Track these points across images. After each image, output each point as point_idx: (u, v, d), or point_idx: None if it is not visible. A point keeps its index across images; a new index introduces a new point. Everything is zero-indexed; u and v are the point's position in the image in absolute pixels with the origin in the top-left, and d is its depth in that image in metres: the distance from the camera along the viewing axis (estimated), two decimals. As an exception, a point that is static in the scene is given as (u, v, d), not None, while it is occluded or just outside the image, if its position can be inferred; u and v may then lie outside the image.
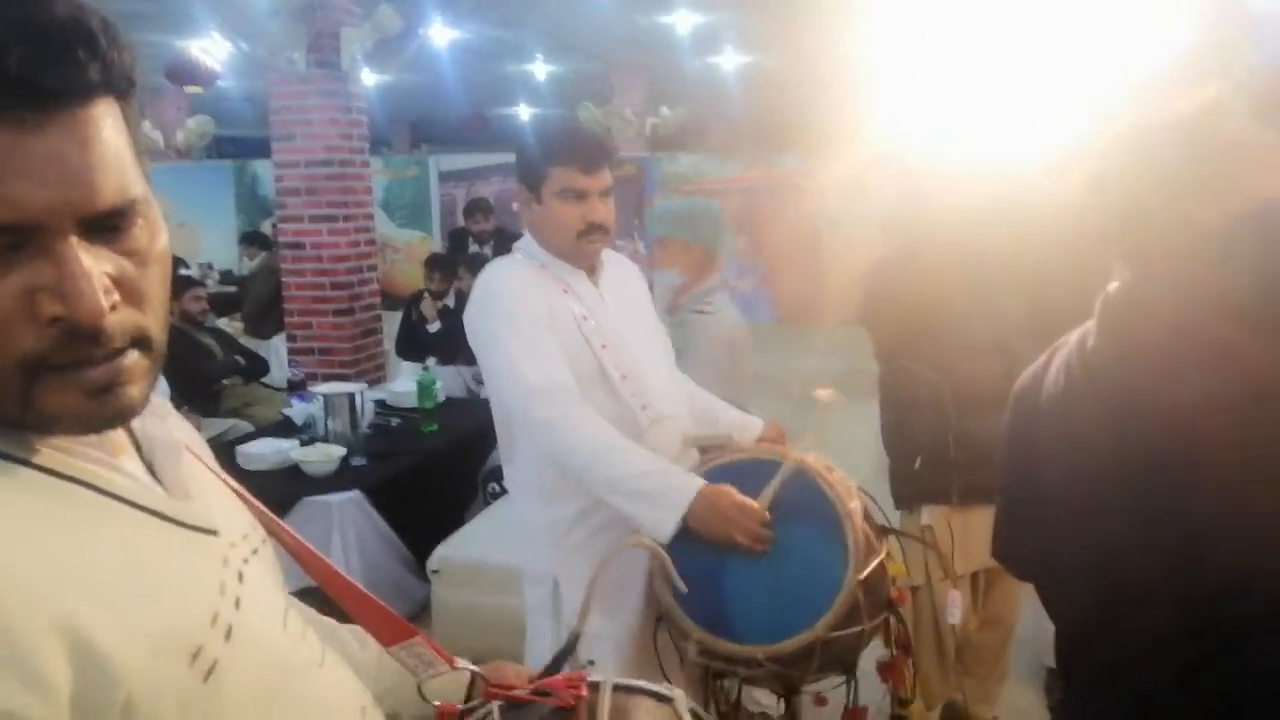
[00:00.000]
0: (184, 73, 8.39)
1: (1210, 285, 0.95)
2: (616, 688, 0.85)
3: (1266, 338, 0.88)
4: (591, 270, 1.98)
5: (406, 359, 5.24)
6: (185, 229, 10.35)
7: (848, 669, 1.80)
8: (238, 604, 0.63)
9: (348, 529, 3.16)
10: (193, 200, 10.68)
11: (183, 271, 7.12)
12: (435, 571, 3.11)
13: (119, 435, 0.65)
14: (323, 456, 3.37)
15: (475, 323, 1.90)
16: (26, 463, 0.58)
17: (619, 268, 2.11)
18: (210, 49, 8.27)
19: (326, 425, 3.67)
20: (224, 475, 0.77)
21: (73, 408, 0.58)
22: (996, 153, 2.06)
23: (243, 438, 3.88)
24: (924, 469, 2.40)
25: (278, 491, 3.26)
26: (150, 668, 0.55)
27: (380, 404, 4.22)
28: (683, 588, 1.59)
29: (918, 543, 2.30)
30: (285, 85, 5.10)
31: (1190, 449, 0.94)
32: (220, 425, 4.23)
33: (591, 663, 1.85)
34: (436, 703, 0.85)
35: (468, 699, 0.90)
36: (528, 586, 2.01)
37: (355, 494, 3.22)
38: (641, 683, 0.88)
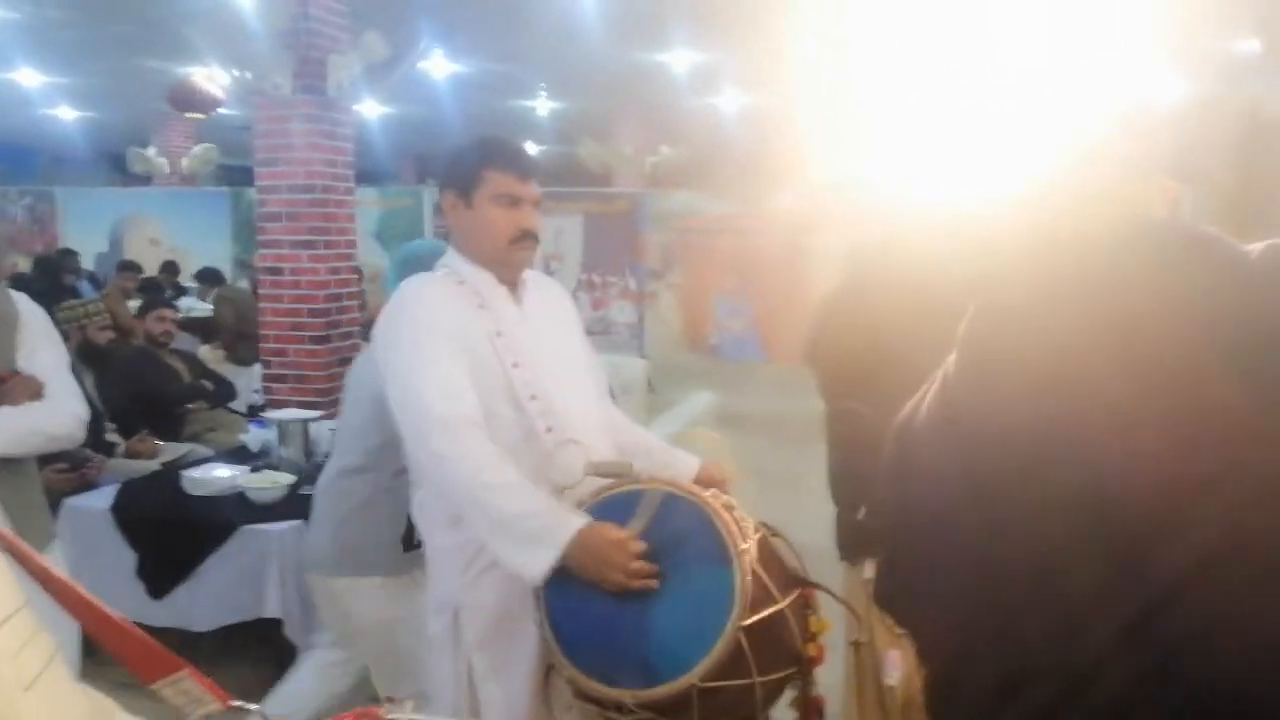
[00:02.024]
0: (186, 99, 8.50)
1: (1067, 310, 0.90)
2: None
3: (1118, 364, 0.84)
4: (513, 286, 1.96)
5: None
6: (179, 253, 10.38)
7: (745, 722, 1.70)
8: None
9: (288, 559, 3.07)
10: (188, 225, 10.74)
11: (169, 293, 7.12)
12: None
13: None
14: (269, 483, 3.31)
15: (383, 341, 1.88)
16: None
17: (545, 289, 2.09)
18: (214, 76, 8.37)
19: (279, 452, 3.61)
20: None
21: None
22: (954, 189, 2.00)
23: (198, 462, 3.81)
24: (869, 519, 2.31)
25: (220, 517, 3.19)
26: None
27: (342, 432, 4.15)
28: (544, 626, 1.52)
29: (863, 597, 2.20)
30: (270, 110, 5.11)
31: (1039, 473, 0.91)
32: (178, 450, 4.17)
33: (390, 699, 1.80)
34: None
35: None
36: (430, 617, 1.95)
37: (298, 523, 3.14)
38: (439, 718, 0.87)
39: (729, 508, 1.75)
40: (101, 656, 0.77)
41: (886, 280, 2.27)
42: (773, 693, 1.71)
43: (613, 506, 1.78)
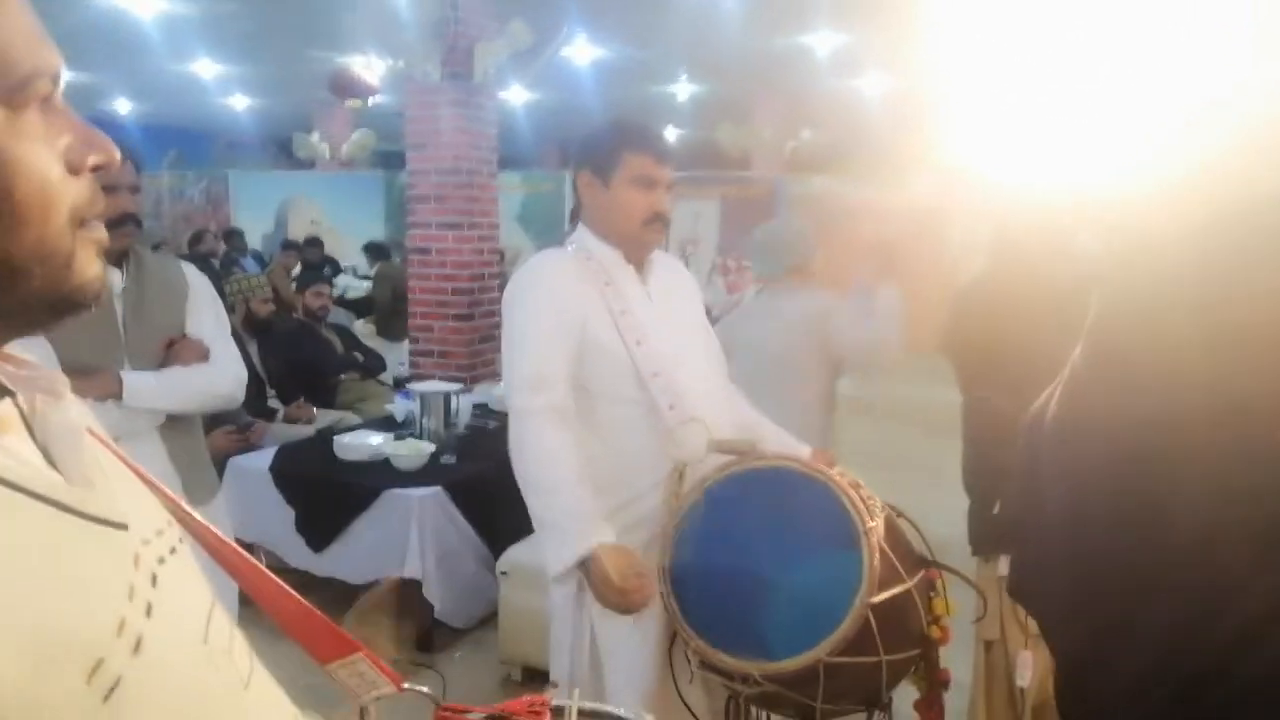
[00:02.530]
0: (344, 86, 8.95)
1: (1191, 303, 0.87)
2: (581, 713, 0.82)
3: (1241, 356, 0.80)
4: (641, 266, 2.01)
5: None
6: (336, 233, 10.99)
7: (870, 702, 1.70)
8: (149, 611, 0.53)
9: (426, 523, 3.24)
10: (343, 207, 11.36)
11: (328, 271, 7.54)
12: (504, 573, 3.14)
13: (5, 409, 0.56)
14: (411, 451, 3.48)
15: (505, 306, 1.98)
16: None
17: (671, 270, 2.13)
18: (371, 65, 8.79)
19: (421, 422, 3.79)
20: (134, 465, 0.68)
21: (94, 270, 0.58)
22: (1084, 168, 1.92)
23: (349, 429, 4.05)
24: (1002, 513, 2.24)
25: (367, 481, 3.39)
26: (35, 684, 0.46)
27: (482, 407, 4.33)
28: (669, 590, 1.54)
29: (996, 594, 2.14)
30: (420, 96, 5.34)
31: (1166, 474, 0.87)
32: (332, 416, 4.44)
33: (554, 684, 1.87)
34: None
35: None
36: (553, 585, 2.01)
37: (436, 490, 3.30)
38: (609, 707, 0.85)
39: (855, 486, 1.74)
40: (252, 606, 0.74)
41: (1017, 269, 2.19)
42: (898, 672, 1.70)
43: (736, 482, 1.80)
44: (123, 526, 0.56)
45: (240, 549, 0.72)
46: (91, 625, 0.50)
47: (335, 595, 3.54)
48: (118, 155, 0.58)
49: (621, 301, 1.92)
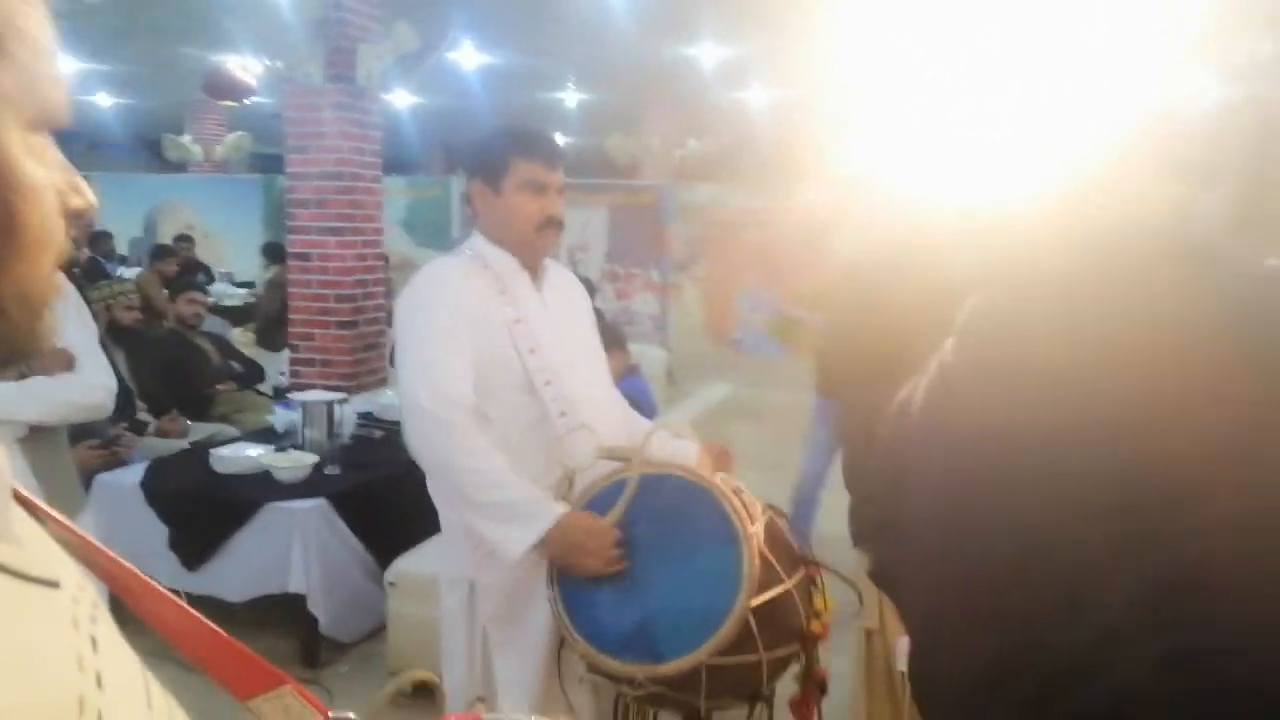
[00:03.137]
0: (220, 87, 8.62)
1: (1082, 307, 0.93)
2: None
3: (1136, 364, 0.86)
4: (535, 273, 2.01)
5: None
6: (211, 239, 10.56)
7: (751, 699, 1.75)
8: (99, 681, 0.48)
9: (309, 536, 3.16)
10: (220, 212, 10.92)
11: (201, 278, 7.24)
12: (392, 584, 3.08)
13: None
14: (293, 463, 3.38)
15: (399, 317, 1.95)
16: None
17: (563, 278, 2.15)
18: (248, 65, 8.49)
19: (304, 433, 3.69)
20: (40, 504, 0.61)
21: (46, 330, 0.53)
22: (969, 186, 2.02)
23: (226, 442, 3.90)
24: (863, 504, 2.34)
25: (247, 494, 3.28)
26: None
27: (367, 416, 4.24)
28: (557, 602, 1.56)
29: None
30: (300, 98, 5.19)
31: (1033, 474, 0.92)
32: (207, 429, 4.26)
33: (482, 700, 1.86)
34: None
35: None
36: (444, 591, 2.01)
37: (320, 501, 3.22)
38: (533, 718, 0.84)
39: (737, 491, 1.79)
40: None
41: (899, 275, 2.29)
42: (778, 668, 1.76)
43: (617, 491, 1.82)
44: (56, 584, 0.50)
45: (153, 583, 0.67)
46: (56, 704, 0.45)
47: (214, 613, 3.40)
48: (94, 203, 0.55)
49: (516, 309, 1.92)
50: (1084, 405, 0.91)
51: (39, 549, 0.53)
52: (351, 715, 0.76)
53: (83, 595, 0.53)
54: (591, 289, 5.39)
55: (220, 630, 0.68)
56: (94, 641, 0.50)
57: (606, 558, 1.72)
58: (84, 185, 0.55)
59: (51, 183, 0.52)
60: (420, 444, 1.84)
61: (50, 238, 0.52)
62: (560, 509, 1.76)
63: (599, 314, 3.97)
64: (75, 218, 0.55)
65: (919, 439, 1.10)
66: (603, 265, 8.07)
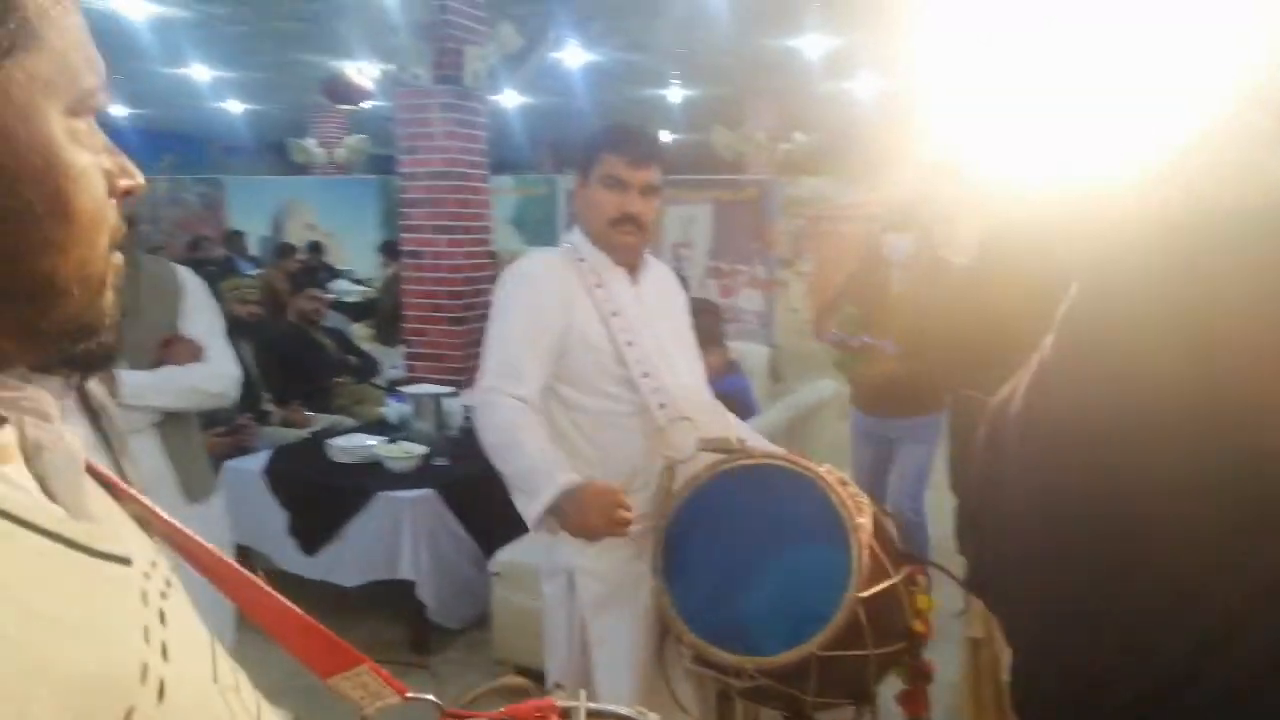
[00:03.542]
0: (338, 91, 8.98)
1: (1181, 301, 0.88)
2: (590, 714, 0.80)
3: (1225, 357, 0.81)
4: (633, 269, 2.03)
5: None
6: (332, 238, 11.00)
7: (858, 696, 1.72)
8: (165, 653, 0.51)
9: (418, 525, 3.25)
10: (340, 211, 11.38)
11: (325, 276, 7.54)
12: (496, 574, 3.15)
13: (4, 436, 0.52)
14: (403, 453, 3.50)
15: (493, 305, 2.00)
16: None
17: (661, 274, 2.16)
18: (364, 69, 8.81)
19: (414, 425, 3.81)
20: (122, 484, 0.64)
21: (113, 298, 0.56)
22: (1068, 172, 1.94)
23: (344, 432, 4.06)
24: (963, 507, 2.27)
25: (359, 484, 3.41)
26: None
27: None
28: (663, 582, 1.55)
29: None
30: (410, 99, 5.35)
31: (1138, 468, 0.87)
32: (325, 420, 4.45)
33: (560, 686, 1.88)
34: None
35: None
36: (544, 580, 2.04)
37: (429, 492, 3.32)
38: (617, 707, 0.83)
39: (843, 483, 1.76)
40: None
41: (1001, 266, 2.21)
42: (886, 665, 1.73)
43: (726, 480, 1.83)
44: (127, 561, 0.53)
45: (235, 564, 0.70)
46: (120, 672, 0.47)
47: (327, 598, 3.55)
48: (144, 184, 0.57)
49: (613, 303, 1.95)
50: (1191, 394, 0.86)
51: (114, 526, 0.56)
52: (430, 696, 0.78)
53: (155, 571, 0.56)
54: (685, 286, 5.37)
55: (301, 612, 0.70)
56: (162, 615, 0.53)
57: (612, 518, 1.73)
58: (131, 166, 0.57)
59: (99, 166, 0.54)
60: (479, 412, 1.90)
61: (103, 219, 0.54)
62: (565, 479, 1.76)
63: (706, 307, 3.96)
64: (128, 196, 0.57)
65: (1018, 437, 1.06)
66: (706, 262, 8.04)
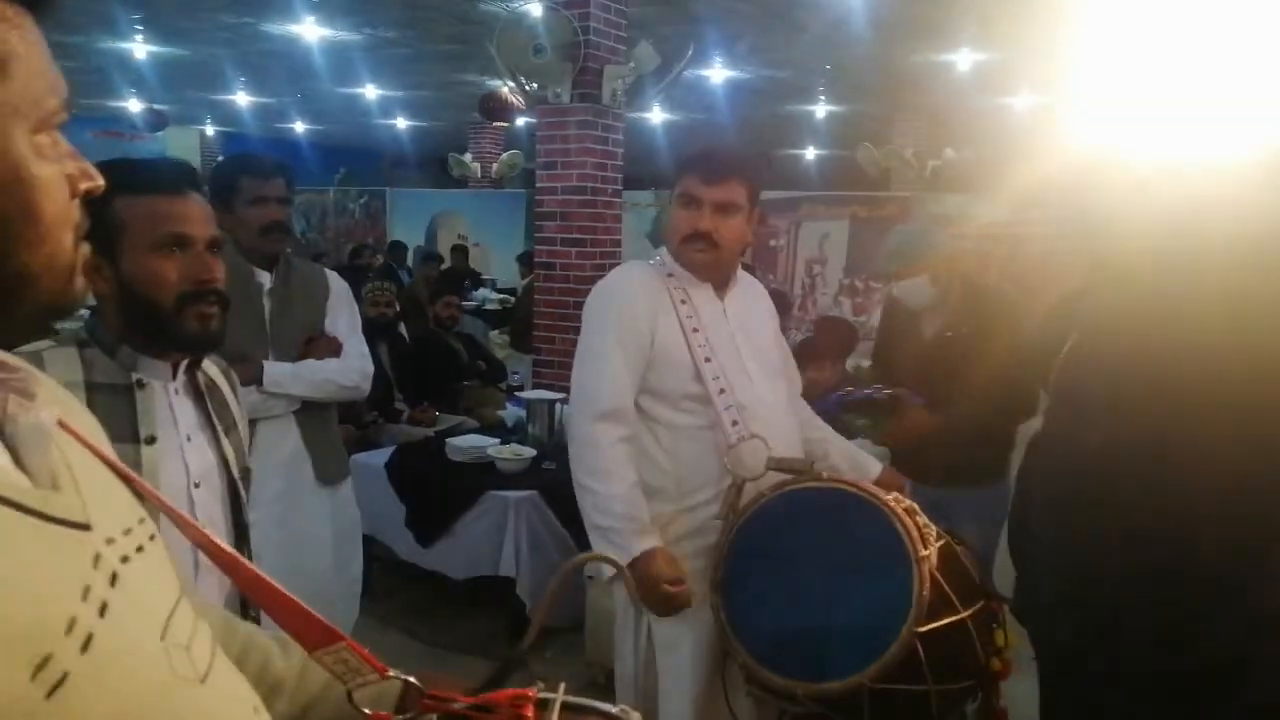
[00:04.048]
0: (493, 108, 9.40)
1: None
2: (565, 706, 0.82)
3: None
4: (720, 286, 2.04)
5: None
6: (479, 249, 11.48)
7: (919, 731, 1.66)
8: (103, 610, 0.55)
9: (522, 524, 3.36)
10: (489, 223, 11.88)
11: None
12: (590, 577, 3.21)
13: None
14: (513, 455, 3.62)
15: (584, 316, 2.06)
16: None
17: (750, 291, 2.17)
18: (518, 89, 9.19)
19: (527, 428, 3.94)
20: (115, 460, 0.70)
21: (82, 282, 0.65)
22: (1196, 153, 1.81)
23: (466, 433, 4.24)
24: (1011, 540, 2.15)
25: (471, 483, 3.56)
26: None
27: (591, 416, 4.43)
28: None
29: None
30: (549, 117, 5.54)
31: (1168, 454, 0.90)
32: (451, 420, 4.65)
33: (541, 680, 1.91)
34: (367, 710, 0.79)
35: (399, 709, 0.85)
36: (615, 588, 2.08)
37: (533, 493, 3.42)
38: (593, 702, 0.85)
39: (911, 512, 1.72)
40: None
41: (1121, 261, 2.09)
42: (949, 704, 1.67)
43: (792, 501, 1.82)
44: (85, 527, 0.58)
45: (224, 545, 0.76)
46: (39, 622, 0.51)
47: (439, 588, 3.72)
48: (102, 183, 0.66)
49: (695, 318, 1.97)
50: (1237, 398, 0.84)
51: (85, 497, 0.60)
52: (411, 678, 0.82)
53: (125, 539, 0.62)
54: (787, 303, 5.29)
55: (284, 590, 0.75)
56: (114, 577, 0.57)
57: (670, 602, 1.83)
58: (92, 169, 0.65)
59: (63, 173, 0.62)
60: (577, 447, 1.95)
61: (67, 219, 0.62)
62: (643, 545, 1.83)
63: (831, 324, 3.87)
64: (89, 195, 0.65)
65: (1039, 461, 1.04)
66: (840, 278, 7.90)
